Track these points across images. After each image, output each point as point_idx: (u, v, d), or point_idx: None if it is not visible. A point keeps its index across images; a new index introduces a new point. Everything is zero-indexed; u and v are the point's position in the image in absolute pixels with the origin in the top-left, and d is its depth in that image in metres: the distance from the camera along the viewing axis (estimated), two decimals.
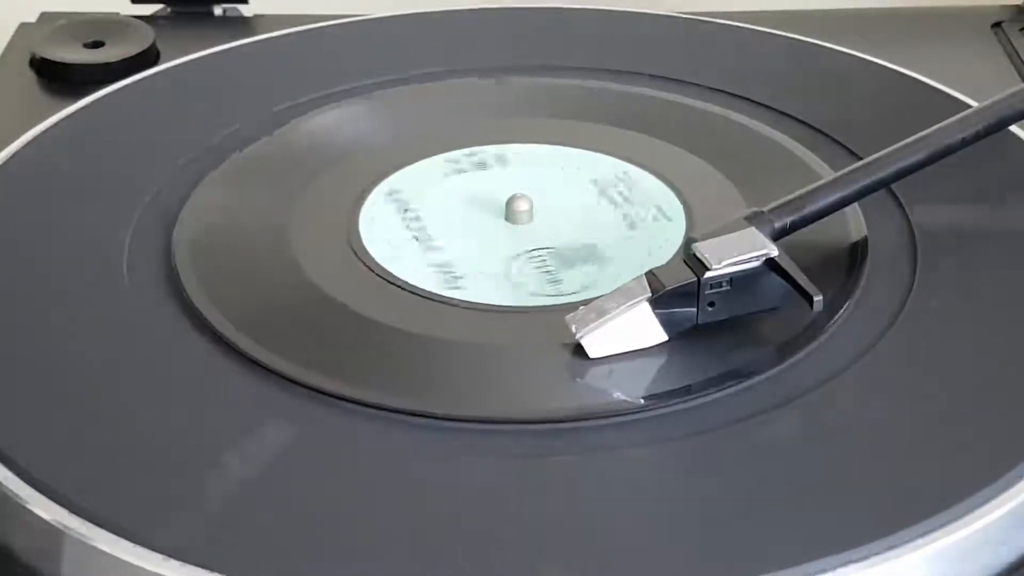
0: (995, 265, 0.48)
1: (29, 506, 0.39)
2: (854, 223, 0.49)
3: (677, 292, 0.44)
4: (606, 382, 0.43)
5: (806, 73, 0.60)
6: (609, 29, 0.64)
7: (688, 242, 0.45)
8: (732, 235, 0.45)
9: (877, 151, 0.49)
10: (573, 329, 0.44)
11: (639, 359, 0.44)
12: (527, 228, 0.50)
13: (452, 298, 0.47)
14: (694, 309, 0.44)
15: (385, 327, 0.45)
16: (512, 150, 0.55)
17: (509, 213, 0.51)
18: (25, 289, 0.47)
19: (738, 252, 0.44)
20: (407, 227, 0.50)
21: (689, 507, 0.39)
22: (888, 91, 0.58)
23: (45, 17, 0.68)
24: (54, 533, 0.39)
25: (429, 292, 0.47)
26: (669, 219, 0.51)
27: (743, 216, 0.45)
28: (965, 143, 0.49)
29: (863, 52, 0.61)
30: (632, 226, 0.50)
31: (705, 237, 0.45)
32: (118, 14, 0.67)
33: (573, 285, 0.47)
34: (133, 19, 0.67)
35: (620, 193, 0.52)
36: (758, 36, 0.63)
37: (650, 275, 0.44)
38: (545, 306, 0.46)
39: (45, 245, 0.49)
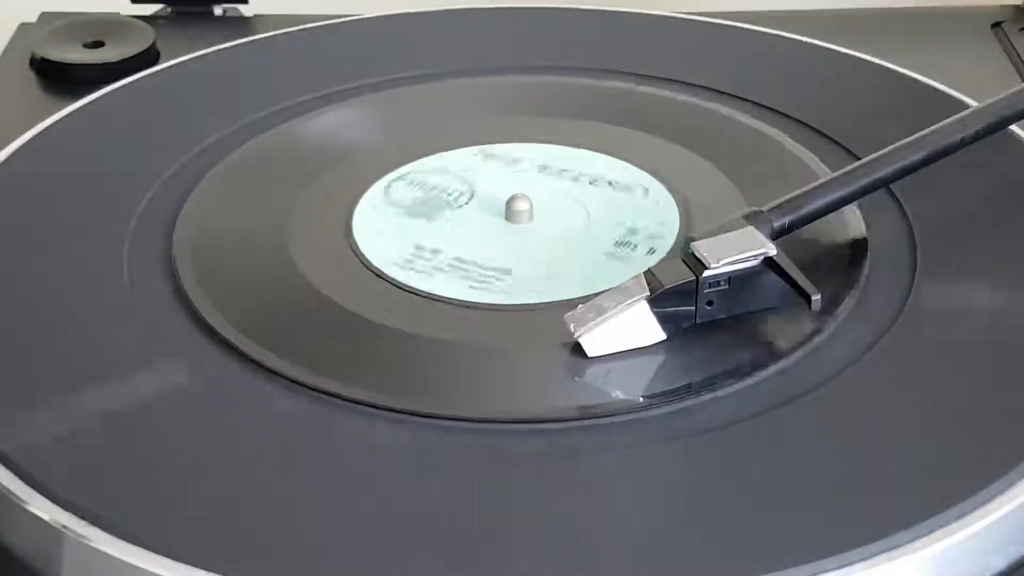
0: (995, 265, 0.48)
1: (29, 506, 0.39)
2: (853, 223, 0.49)
3: (675, 291, 0.44)
4: (604, 381, 0.43)
5: (806, 73, 0.60)
6: (609, 29, 0.64)
7: (687, 241, 0.45)
8: (731, 234, 0.45)
9: (877, 151, 0.48)
10: (572, 328, 0.44)
11: (637, 358, 0.44)
12: (527, 228, 0.51)
13: (451, 298, 0.47)
14: (692, 308, 0.44)
15: (384, 327, 0.45)
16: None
17: (509, 213, 0.51)
18: (25, 289, 0.47)
19: (736, 251, 0.44)
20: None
21: (688, 507, 0.39)
22: (888, 91, 0.58)
23: (45, 17, 0.68)
24: (54, 533, 0.39)
25: (428, 292, 0.47)
26: (669, 219, 0.51)
27: (742, 215, 0.45)
28: (965, 143, 0.49)
29: (863, 52, 0.61)
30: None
31: (704, 236, 0.45)
32: (118, 14, 0.67)
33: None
34: (133, 19, 0.67)
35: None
36: (758, 36, 0.63)
37: (648, 274, 0.44)
38: (544, 304, 0.46)
39: (45, 245, 0.49)
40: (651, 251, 0.49)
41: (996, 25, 0.68)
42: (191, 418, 0.42)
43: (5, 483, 0.40)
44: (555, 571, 0.37)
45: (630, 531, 0.38)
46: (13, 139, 0.55)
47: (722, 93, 0.58)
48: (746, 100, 0.58)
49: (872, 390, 0.43)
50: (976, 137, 0.49)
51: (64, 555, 0.39)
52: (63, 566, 0.39)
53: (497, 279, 0.48)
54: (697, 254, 0.44)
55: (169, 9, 0.70)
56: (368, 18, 0.65)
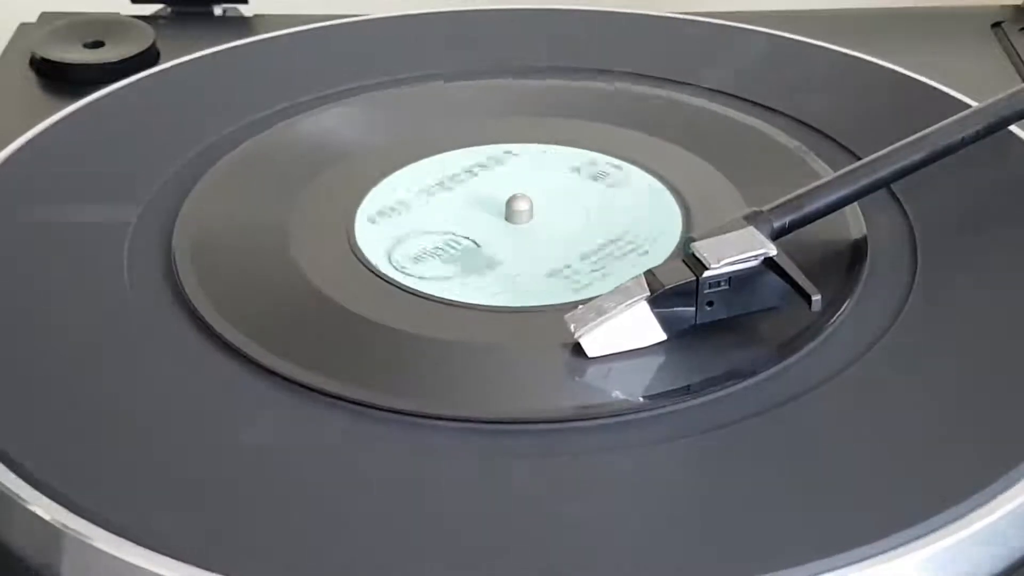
0: (995, 265, 0.48)
1: (29, 506, 0.39)
2: (854, 223, 0.49)
3: (676, 291, 0.44)
4: (604, 381, 0.43)
5: (806, 73, 0.60)
6: (608, 29, 0.64)
7: (687, 241, 0.45)
8: (731, 235, 0.45)
9: (877, 151, 0.48)
10: (572, 328, 0.44)
11: (638, 358, 0.44)
12: (527, 228, 0.51)
13: (451, 298, 0.47)
14: (693, 308, 0.44)
15: (384, 327, 0.45)
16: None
17: (509, 213, 0.51)
18: (25, 289, 0.47)
19: (737, 251, 0.44)
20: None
21: (688, 507, 0.39)
22: (888, 91, 0.58)
23: (45, 17, 0.68)
24: (54, 533, 0.39)
25: (428, 292, 0.47)
26: (669, 219, 0.51)
27: (742, 216, 0.45)
28: (965, 143, 0.49)
29: (863, 52, 0.61)
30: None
31: (704, 236, 0.45)
32: (118, 14, 0.67)
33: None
34: (133, 19, 0.67)
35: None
36: (758, 36, 0.63)
37: (649, 274, 0.44)
38: (544, 305, 0.46)
39: (45, 245, 0.49)
40: (651, 252, 0.49)
41: (996, 25, 0.68)
42: (191, 418, 0.42)
43: (5, 483, 0.40)
44: (555, 571, 0.37)
45: (630, 531, 0.38)
46: (13, 139, 0.55)
47: (722, 93, 0.58)
48: (746, 100, 0.58)
49: (872, 390, 0.43)
50: (976, 137, 0.49)
51: (64, 555, 0.39)
52: (63, 566, 0.39)
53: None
54: (697, 254, 0.44)
55: (169, 9, 0.70)
56: (368, 19, 0.65)
